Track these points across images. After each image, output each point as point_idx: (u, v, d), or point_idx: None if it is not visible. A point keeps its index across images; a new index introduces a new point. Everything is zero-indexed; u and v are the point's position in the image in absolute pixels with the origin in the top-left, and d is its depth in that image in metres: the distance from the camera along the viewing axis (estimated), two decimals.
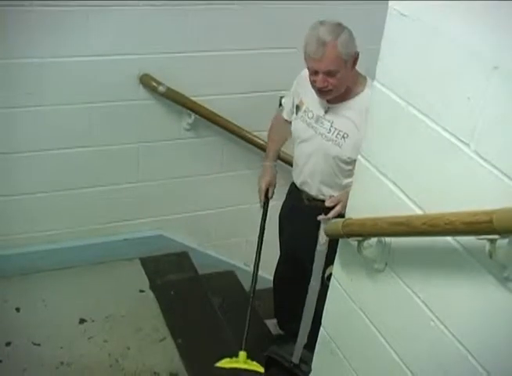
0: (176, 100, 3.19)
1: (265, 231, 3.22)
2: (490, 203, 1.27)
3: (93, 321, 3.11)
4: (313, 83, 2.59)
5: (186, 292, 3.44)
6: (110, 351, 2.95)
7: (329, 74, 2.50)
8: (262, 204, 3.12)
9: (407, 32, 1.54)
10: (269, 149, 3.10)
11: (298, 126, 2.81)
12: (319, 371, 2.29)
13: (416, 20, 1.50)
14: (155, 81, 3.09)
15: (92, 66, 2.96)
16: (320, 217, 2.49)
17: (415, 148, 1.57)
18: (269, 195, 3.08)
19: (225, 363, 2.92)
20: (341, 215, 2.25)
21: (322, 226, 2.44)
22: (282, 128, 3.01)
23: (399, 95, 1.60)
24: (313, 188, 2.84)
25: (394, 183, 1.66)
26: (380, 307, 1.85)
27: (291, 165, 3.06)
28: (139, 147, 3.31)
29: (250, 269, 3.89)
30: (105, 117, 3.14)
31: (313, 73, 2.55)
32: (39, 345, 2.91)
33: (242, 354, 2.95)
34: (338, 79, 2.52)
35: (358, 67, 2.60)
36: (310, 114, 2.75)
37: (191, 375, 2.88)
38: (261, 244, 3.17)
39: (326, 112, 2.70)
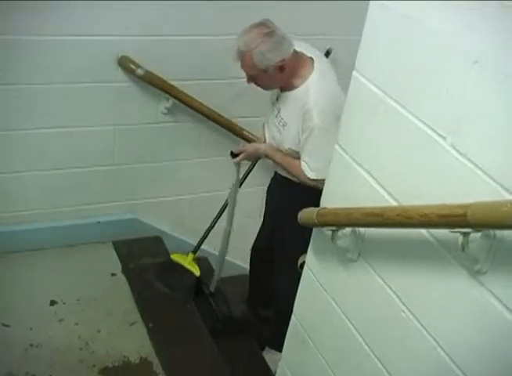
0: (154, 84, 3.16)
1: (235, 216, 3.29)
2: (465, 196, 1.28)
3: (64, 303, 3.09)
4: None
5: (158, 276, 3.43)
6: (81, 334, 2.93)
7: (251, 77, 2.68)
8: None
9: (388, 23, 1.54)
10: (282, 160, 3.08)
11: (269, 105, 2.93)
12: (290, 360, 2.30)
13: (397, 12, 1.50)
14: (133, 63, 3.06)
15: (70, 45, 2.91)
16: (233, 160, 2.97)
17: (391, 139, 1.58)
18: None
19: (175, 257, 3.46)
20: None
21: (235, 169, 3.05)
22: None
23: (378, 86, 1.60)
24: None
25: (370, 174, 1.66)
26: (352, 297, 1.86)
27: None
28: (115, 130, 3.27)
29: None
30: (81, 98, 3.09)
31: None
32: (8, 326, 2.88)
33: (190, 255, 3.46)
34: (259, 82, 2.70)
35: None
36: (273, 97, 2.89)
37: (161, 359, 2.87)
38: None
39: (277, 99, 2.82)
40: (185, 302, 3.32)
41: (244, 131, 3.48)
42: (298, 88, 2.67)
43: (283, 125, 2.75)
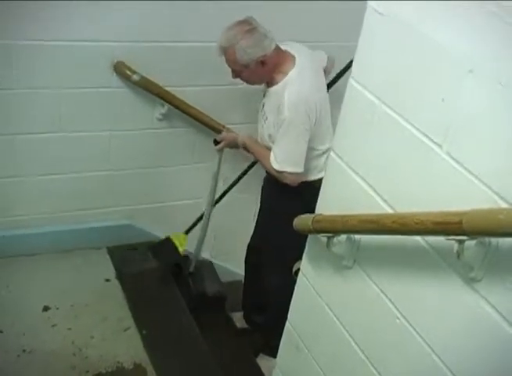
0: (150, 89, 3.16)
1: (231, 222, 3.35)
2: (460, 204, 1.29)
3: (57, 309, 3.07)
4: None
5: (152, 282, 3.43)
6: (74, 339, 2.92)
7: (235, 72, 2.80)
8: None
9: (384, 31, 1.55)
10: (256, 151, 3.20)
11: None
12: (285, 366, 2.30)
13: (394, 20, 1.50)
14: (129, 69, 3.06)
15: (66, 51, 2.91)
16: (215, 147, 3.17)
17: (387, 147, 1.58)
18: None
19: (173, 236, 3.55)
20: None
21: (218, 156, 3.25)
22: None
23: (374, 93, 1.60)
24: None
25: (366, 181, 1.67)
26: (347, 304, 1.87)
27: None
28: (111, 135, 3.27)
29: (217, 261, 3.92)
30: (76, 104, 3.09)
31: None
32: (1, 331, 2.87)
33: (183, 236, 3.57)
34: (245, 76, 2.82)
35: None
36: (262, 93, 2.98)
37: (155, 365, 2.87)
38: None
39: (264, 95, 2.93)
40: (179, 309, 3.31)
41: None
42: (278, 84, 2.78)
43: (265, 120, 2.88)
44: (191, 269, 3.65)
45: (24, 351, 2.80)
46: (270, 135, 2.83)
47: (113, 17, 2.92)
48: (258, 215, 3.26)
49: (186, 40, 3.14)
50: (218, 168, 3.31)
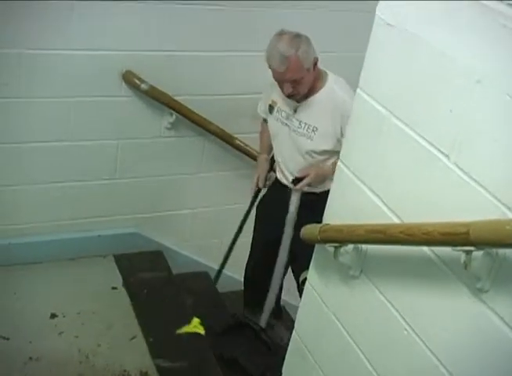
0: (158, 99, 3.18)
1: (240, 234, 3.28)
2: (468, 215, 1.29)
3: (64, 317, 3.07)
4: (281, 89, 2.80)
5: (159, 291, 3.42)
6: (81, 347, 2.92)
7: (294, 82, 2.72)
8: (253, 193, 3.34)
9: (393, 42, 1.55)
10: (261, 143, 3.28)
11: (273, 125, 3.01)
12: (290, 374, 2.29)
13: (402, 31, 1.51)
14: (138, 78, 3.08)
15: (75, 60, 2.93)
16: (294, 187, 2.92)
17: (395, 157, 1.59)
18: (260, 184, 3.20)
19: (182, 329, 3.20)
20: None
21: (292, 195, 2.94)
22: (267, 130, 3.17)
23: (382, 104, 1.61)
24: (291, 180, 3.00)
25: (373, 191, 1.67)
26: (354, 314, 1.86)
27: None
28: (119, 144, 3.28)
29: (225, 270, 3.92)
30: (85, 112, 3.11)
31: (279, 82, 2.77)
32: (8, 339, 2.87)
33: (196, 320, 3.23)
34: (302, 84, 2.74)
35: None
36: (283, 113, 2.95)
37: (161, 374, 2.86)
38: (241, 229, 3.42)
39: (295, 110, 2.89)
40: (186, 317, 3.31)
41: (248, 147, 3.49)
42: (321, 91, 2.82)
43: (314, 131, 2.84)
44: (262, 325, 3.38)
45: (31, 358, 2.79)
46: (328, 143, 2.83)
47: (121, 26, 2.95)
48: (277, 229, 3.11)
49: (194, 49, 3.16)
50: (296, 210, 2.99)
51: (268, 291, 3.29)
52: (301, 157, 2.93)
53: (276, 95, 2.94)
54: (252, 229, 3.41)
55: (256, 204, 3.40)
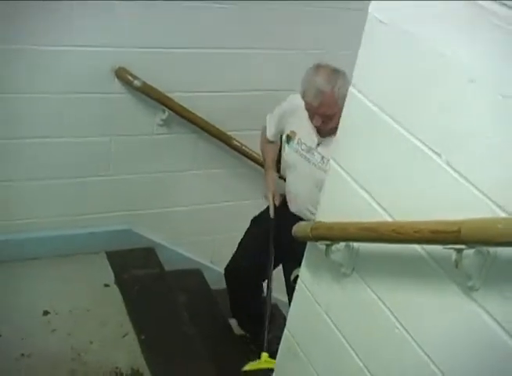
0: (151, 95, 3.17)
1: (231, 229, 3.32)
2: (459, 214, 1.29)
3: (57, 314, 3.07)
4: (310, 119, 2.76)
5: (152, 288, 3.42)
6: (73, 344, 2.92)
7: (326, 116, 2.68)
8: (272, 214, 3.17)
9: (385, 40, 1.55)
10: (267, 159, 3.23)
11: (291, 156, 2.95)
12: (283, 373, 2.29)
13: (395, 29, 1.51)
14: (131, 74, 3.07)
15: (67, 56, 2.92)
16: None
17: (387, 155, 1.59)
18: (277, 202, 3.16)
19: (250, 366, 3.10)
20: None
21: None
22: (270, 144, 3.18)
23: (374, 102, 1.61)
24: (304, 211, 2.98)
25: (365, 189, 1.67)
26: (345, 312, 1.86)
27: None
28: (111, 140, 3.27)
29: (217, 267, 3.92)
30: (78, 109, 3.10)
31: (311, 113, 2.73)
32: (0, 335, 2.86)
33: (264, 355, 3.06)
34: (333, 120, 2.64)
35: None
36: (303, 146, 2.90)
37: (152, 371, 2.86)
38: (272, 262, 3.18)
39: (318, 144, 2.85)
40: (178, 314, 3.31)
41: (241, 145, 3.50)
42: None
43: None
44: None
45: (23, 355, 2.79)
46: None
47: (114, 23, 2.93)
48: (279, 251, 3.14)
49: (188, 46, 3.15)
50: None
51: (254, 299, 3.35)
52: (317, 189, 2.78)
53: (296, 127, 2.91)
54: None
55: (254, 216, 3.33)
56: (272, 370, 2.81)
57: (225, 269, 3.39)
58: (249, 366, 3.13)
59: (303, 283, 2.07)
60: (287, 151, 2.98)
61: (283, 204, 3.12)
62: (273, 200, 3.15)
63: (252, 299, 3.37)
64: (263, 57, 3.35)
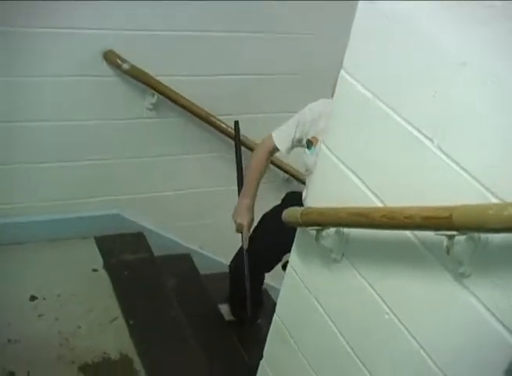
0: (140, 79, 3.13)
1: (220, 214, 3.27)
2: (451, 199, 1.27)
3: (44, 299, 3.05)
4: None
5: (140, 273, 3.41)
6: (61, 329, 2.90)
7: None
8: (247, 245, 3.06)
9: (377, 23, 1.52)
10: (251, 187, 3.01)
11: (311, 161, 2.76)
12: (272, 358, 2.29)
13: (387, 11, 1.48)
14: (119, 58, 3.03)
15: (55, 38, 2.87)
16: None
17: (378, 140, 1.57)
18: (245, 245, 3.05)
19: None
20: None
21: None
22: (266, 161, 2.99)
23: (366, 87, 1.58)
24: None
25: (356, 175, 1.65)
26: (335, 297, 1.85)
27: None
28: (100, 124, 3.24)
29: (206, 252, 3.91)
30: (65, 92, 3.06)
31: None
32: None
33: None
34: None
35: None
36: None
37: (141, 356, 2.86)
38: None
39: None
40: (167, 299, 3.30)
41: (229, 129, 3.46)
42: None
43: None
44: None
45: (9, 341, 2.77)
46: None
47: (102, 5, 2.88)
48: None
49: (177, 29, 3.12)
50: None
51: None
52: None
53: (318, 133, 2.74)
54: None
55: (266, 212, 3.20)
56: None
57: (238, 265, 3.26)
58: None
59: (292, 268, 2.05)
60: (308, 155, 2.84)
61: (299, 199, 2.97)
62: (248, 231, 3.02)
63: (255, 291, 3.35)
64: (254, 41, 3.32)
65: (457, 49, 1.28)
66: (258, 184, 2.99)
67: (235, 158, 3.19)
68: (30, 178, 3.23)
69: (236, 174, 3.19)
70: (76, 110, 3.14)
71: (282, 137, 2.87)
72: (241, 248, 3.16)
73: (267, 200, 3.16)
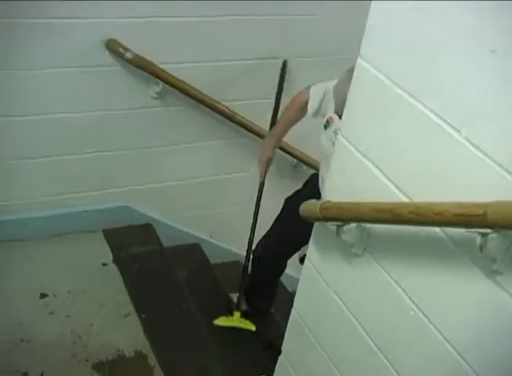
0: (143, 67, 3.06)
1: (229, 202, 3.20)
2: (480, 194, 1.21)
3: (55, 296, 3.00)
4: None
5: (150, 265, 3.37)
6: (73, 327, 2.85)
7: None
8: (263, 178, 3.22)
9: (396, 7, 1.45)
10: (280, 128, 3.09)
11: (327, 144, 2.68)
12: (290, 353, 2.25)
13: None
14: (122, 46, 2.95)
15: (56, 28, 2.80)
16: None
17: (400, 131, 1.50)
18: (261, 177, 3.20)
19: (221, 321, 3.27)
20: None
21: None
22: (300, 111, 2.95)
23: (385, 74, 1.51)
24: None
25: (377, 167, 1.58)
26: (356, 292, 1.80)
27: None
28: (104, 115, 3.17)
29: (216, 241, 3.87)
30: (68, 83, 2.99)
31: None
32: None
33: (236, 314, 3.30)
34: None
35: None
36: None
37: (156, 352, 2.81)
38: (256, 219, 3.27)
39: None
40: (179, 290, 3.26)
41: (237, 116, 3.40)
42: None
43: None
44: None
45: (22, 340, 2.73)
46: None
47: None
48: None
49: (181, 15, 3.03)
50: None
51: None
52: None
53: (333, 113, 2.64)
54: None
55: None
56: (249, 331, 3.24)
57: (263, 251, 3.26)
58: (220, 322, 3.27)
59: (310, 262, 2.00)
60: (324, 137, 2.72)
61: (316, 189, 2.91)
62: (266, 166, 3.12)
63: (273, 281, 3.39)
64: (259, 25, 3.23)
65: (486, 36, 1.21)
66: (287, 129, 3.07)
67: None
68: (37, 172, 3.17)
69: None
70: (79, 102, 3.07)
71: (313, 98, 2.80)
72: (266, 235, 3.19)
73: (274, 185, 3.16)
